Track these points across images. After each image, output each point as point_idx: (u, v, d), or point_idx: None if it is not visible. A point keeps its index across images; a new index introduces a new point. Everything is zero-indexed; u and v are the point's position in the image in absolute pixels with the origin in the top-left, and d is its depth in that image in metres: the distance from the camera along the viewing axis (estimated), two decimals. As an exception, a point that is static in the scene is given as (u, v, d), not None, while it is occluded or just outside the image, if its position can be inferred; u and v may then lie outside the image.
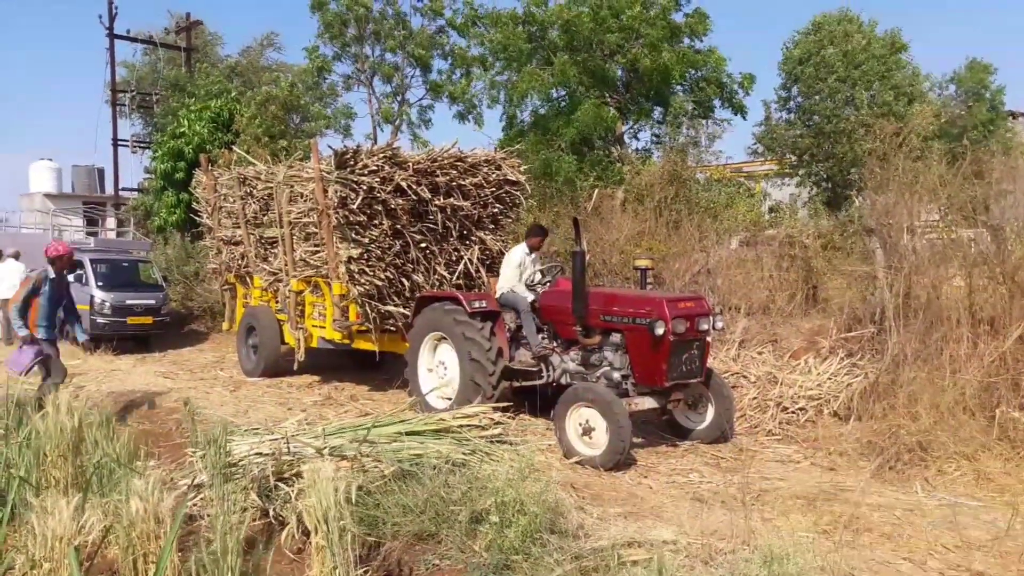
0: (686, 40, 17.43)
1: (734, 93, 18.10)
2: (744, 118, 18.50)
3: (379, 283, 8.91)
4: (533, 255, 8.38)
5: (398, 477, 4.90)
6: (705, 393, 7.20)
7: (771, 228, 12.37)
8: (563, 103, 18.36)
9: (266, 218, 10.60)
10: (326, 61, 21.54)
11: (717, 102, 18.43)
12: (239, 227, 11.28)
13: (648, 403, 6.87)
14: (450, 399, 7.68)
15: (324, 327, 9.81)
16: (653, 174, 13.29)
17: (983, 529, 4.98)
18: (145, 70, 27.35)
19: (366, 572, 4.23)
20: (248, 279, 11.50)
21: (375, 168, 8.72)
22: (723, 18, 63.27)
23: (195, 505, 5.06)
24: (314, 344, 10.12)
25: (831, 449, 6.86)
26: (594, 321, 7.14)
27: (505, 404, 6.77)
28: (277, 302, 10.85)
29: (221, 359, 12.95)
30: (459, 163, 9.48)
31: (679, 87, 18.25)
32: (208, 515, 4.77)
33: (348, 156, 8.72)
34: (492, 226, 9.92)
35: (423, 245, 9.29)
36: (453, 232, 9.55)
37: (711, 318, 6.93)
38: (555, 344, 7.62)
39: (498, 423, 5.98)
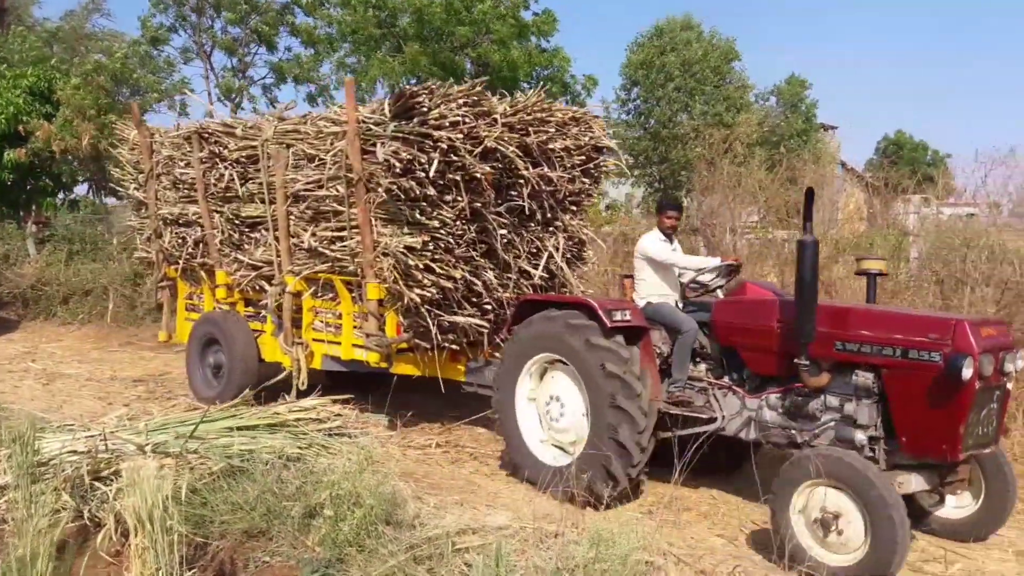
0: (533, 39, 17.81)
1: (577, 94, 18.72)
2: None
3: (447, 285, 6.44)
4: (673, 242, 6.19)
5: (228, 474, 4.72)
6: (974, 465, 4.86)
7: (607, 225, 12.93)
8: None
9: (243, 190, 7.66)
10: (161, 31, 20.20)
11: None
12: (195, 202, 8.21)
13: (918, 483, 4.61)
14: (569, 449, 5.57)
15: (336, 342, 7.22)
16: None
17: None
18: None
19: (192, 573, 4.07)
20: (204, 273, 8.44)
21: (456, 119, 6.21)
22: (570, 18, 65.19)
23: (-3, 509, 4.65)
24: (316, 364, 7.42)
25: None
26: (822, 350, 4.82)
27: (345, 396, 6.56)
28: (251, 306, 8.18)
29: (33, 350, 11.89)
30: (550, 118, 7.13)
31: (526, 84, 18.63)
32: (13, 519, 4.41)
33: (419, 99, 6.13)
34: (574, 207, 7.63)
35: (502, 232, 6.86)
36: (537, 214, 7.17)
37: (1016, 353, 4.66)
38: (731, 379, 5.49)
39: (338, 415, 5.87)
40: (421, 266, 6.26)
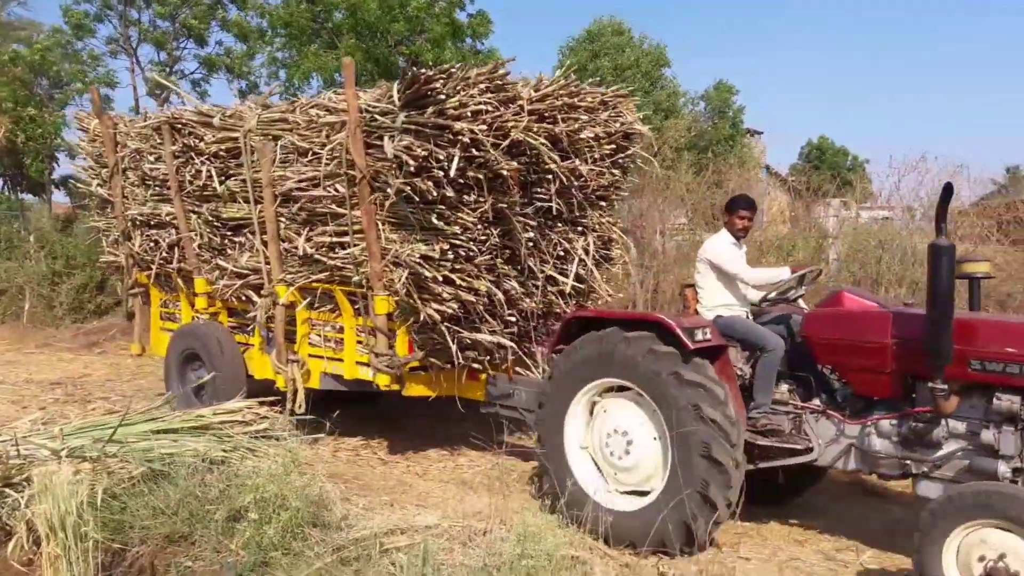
0: (468, 40, 17.81)
1: (514, 95, 18.78)
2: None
3: (469, 298, 5.67)
4: (742, 246, 5.44)
5: (148, 478, 4.59)
6: None
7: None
8: (346, 90, 18.02)
9: (223, 188, 6.78)
10: (86, 20, 19.40)
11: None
12: (168, 200, 7.30)
13: None
14: (644, 492, 4.74)
15: (337, 359, 6.44)
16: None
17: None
18: None
19: (109, 580, 3.96)
20: (180, 281, 7.53)
21: (478, 107, 5.39)
22: (504, 19, 65.45)
23: None
24: (314, 383, 6.58)
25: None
26: (953, 371, 4.20)
27: (273, 398, 6.41)
28: (235, 316, 7.34)
29: (-59, 353, 11.35)
30: (580, 103, 6.29)
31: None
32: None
33: (434, 84, 5.22)
34: (602, 203, 6.80)
35: (528, 235, 6.09)
36: (564, 213, 6.38)
37: None
38: (822, 401, 4.83)
39: (264, 417, 5.75)
40: (440, 278, 5.48)
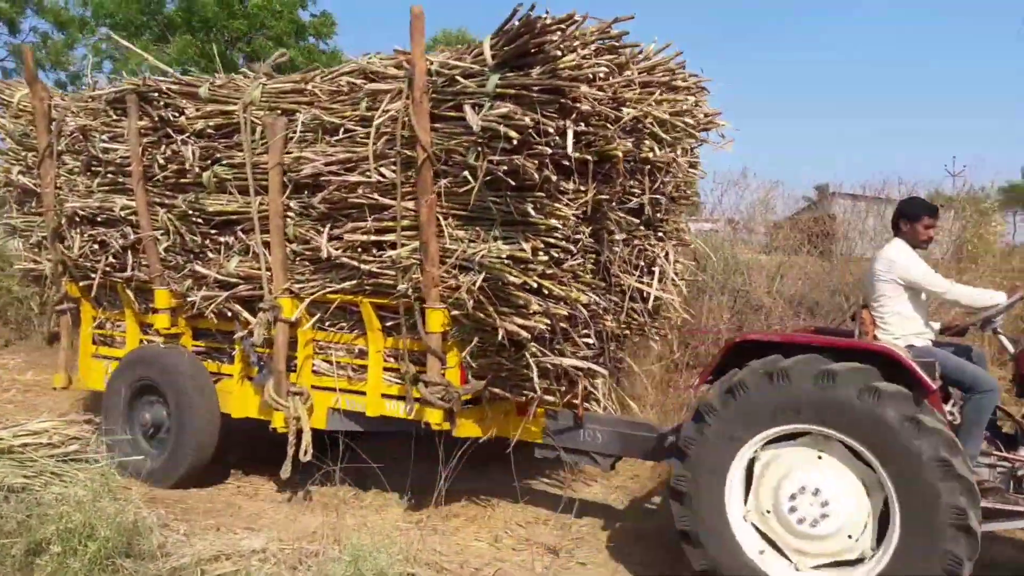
0: (311, 39, 17.47)
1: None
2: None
3: (560, 312, 4.54)
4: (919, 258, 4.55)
5: (-70, 512, 4.12)
6: None
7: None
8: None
9: (206, 176, 5.46)
10: None
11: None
12: (125, 191, 5.91)
13: None
14: (844, 562, 3.84)
15: (356, 391, 5.33)
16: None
17: (550, 507, 5.70)
18: None
19: None
20: (130, 294, 6.10)
21: (594, 70, 4.37)
22: (350, 22, 64.51)
23: None
24: (318, 422, 5.42)
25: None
26: None
27: (85, 417, 5.89)
28: (200, 339, 6.07)
29: None
30: (677, 83, 5.33)
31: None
32: None
33: (550, 35, 4.09)
34: (674, 205, 5.89)
35: (617, 237, 5.15)
36: (649, 214, 5.42)
37: None
38: None
39: (74, 439, 5.31)
40: (533, 285, 4.36)
